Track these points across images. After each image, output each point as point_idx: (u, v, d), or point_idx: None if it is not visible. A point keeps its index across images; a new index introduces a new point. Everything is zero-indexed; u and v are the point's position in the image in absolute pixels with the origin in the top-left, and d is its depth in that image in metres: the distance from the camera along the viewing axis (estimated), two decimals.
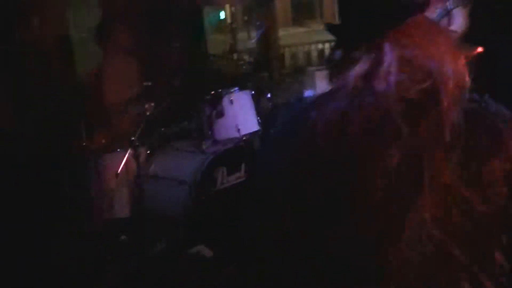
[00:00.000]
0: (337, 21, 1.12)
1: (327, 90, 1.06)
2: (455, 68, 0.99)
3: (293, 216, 1.02)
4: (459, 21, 3.12)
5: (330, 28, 1.11)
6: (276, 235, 1.04)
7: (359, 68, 1.00)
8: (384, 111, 0.96)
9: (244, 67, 4.49)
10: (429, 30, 1.04)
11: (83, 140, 3.90)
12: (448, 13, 3.10)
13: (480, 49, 3.65)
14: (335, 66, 1.06)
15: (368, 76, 1.00)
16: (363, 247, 0.95)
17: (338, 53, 1.06)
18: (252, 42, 6.66)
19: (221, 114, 3.89)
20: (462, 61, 1.02)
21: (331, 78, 1.06)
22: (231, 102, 3.94)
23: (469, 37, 3.23)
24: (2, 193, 3.52)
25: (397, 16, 1.02)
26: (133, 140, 3.54)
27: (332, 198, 0.98)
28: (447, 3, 3.05)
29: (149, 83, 3.86)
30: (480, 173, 0.93)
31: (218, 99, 3.93)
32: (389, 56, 0.99)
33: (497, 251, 0.94)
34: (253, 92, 4.18)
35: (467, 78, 1.01)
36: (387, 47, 1.00)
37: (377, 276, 0.94)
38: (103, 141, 3.87)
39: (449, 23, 3.20)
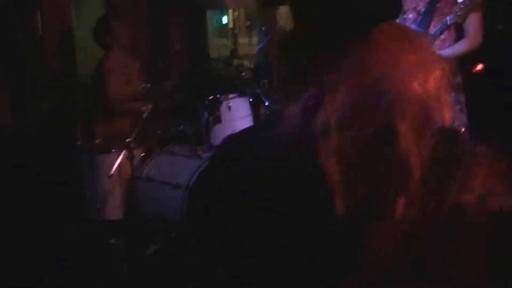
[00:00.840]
0: None
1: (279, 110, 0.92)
2: (422, 91, 0.81)
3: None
4: (470, 32, 3.11)
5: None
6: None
7: (297, 106, 0.85)
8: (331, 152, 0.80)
9: (244, 73, 4.46)
10: (395, 40, 0.85)
11: (78, 140, 3.88)
12: (448, 28, 3.09)
13: (481, 66, 3.64)
14: (289, 81, 0.94)
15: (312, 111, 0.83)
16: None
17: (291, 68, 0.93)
18: (257, 49, 6.63)
19: (218, 120, 3.87)
20: (435, 80, 0.83)
21: (284, 93, 0.94)
22: (229, 108, 3.92)
23: (471, 54, 3.22)
24: None
25: (361, 25, 0.86)
26: (128, 141, 3.51)
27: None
28: (447, 18, 3.05)
29: (148, 85, 3.84)
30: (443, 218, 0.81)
31: (216, 104, 3.91)
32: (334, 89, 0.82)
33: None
34: (251, 99, 4.16)
35: (443, 98, 0.84)
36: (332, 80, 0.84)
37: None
38: (99, 141, 3.84)
39: (459, 36, 3.19)
